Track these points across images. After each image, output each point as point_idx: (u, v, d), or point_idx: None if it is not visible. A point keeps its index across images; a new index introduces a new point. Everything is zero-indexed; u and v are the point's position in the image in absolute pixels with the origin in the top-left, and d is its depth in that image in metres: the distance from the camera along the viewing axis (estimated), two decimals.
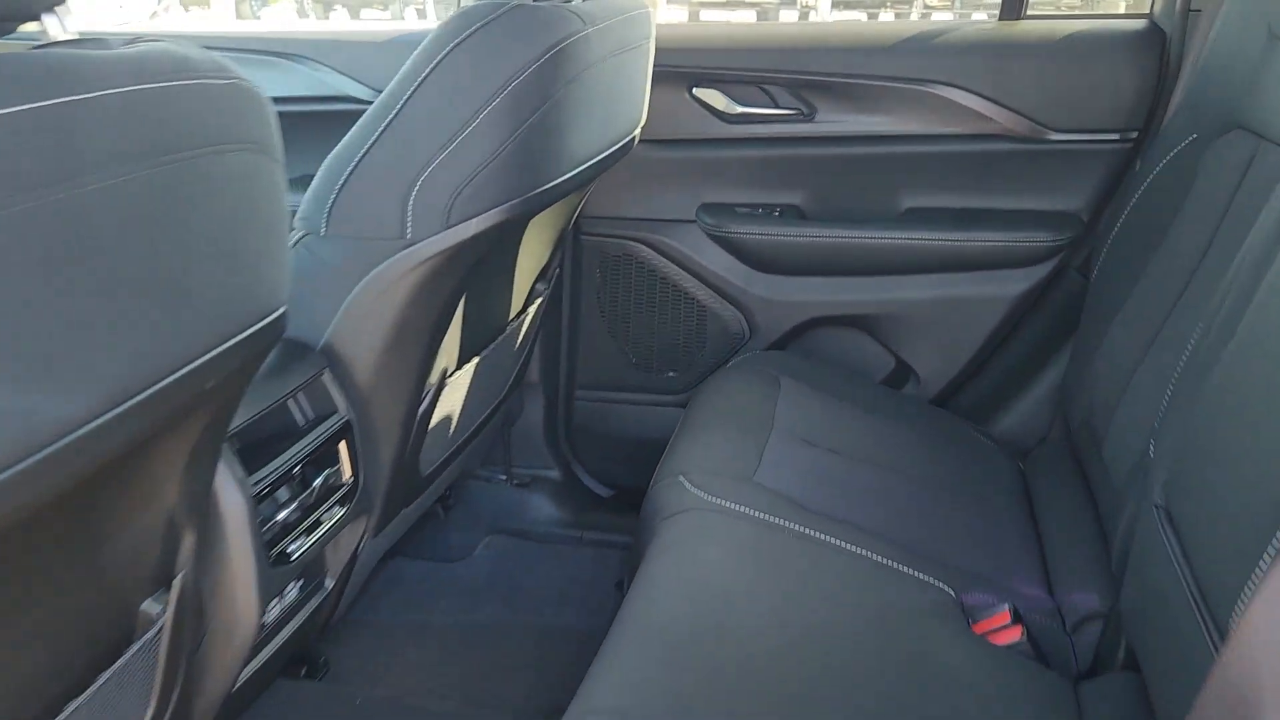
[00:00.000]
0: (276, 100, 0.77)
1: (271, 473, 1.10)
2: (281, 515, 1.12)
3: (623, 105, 1.46)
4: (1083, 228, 1.74)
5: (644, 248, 1.90)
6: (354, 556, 1.38)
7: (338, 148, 1.20)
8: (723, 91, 1.80)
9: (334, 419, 1.23)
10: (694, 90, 1.81)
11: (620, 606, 1.15)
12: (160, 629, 0.90)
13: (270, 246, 0.78)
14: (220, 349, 0.72)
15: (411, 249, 1.19)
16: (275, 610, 1.19)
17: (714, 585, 1.15)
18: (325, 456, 1.22)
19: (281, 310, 0.82)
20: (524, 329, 1.73)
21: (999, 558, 1.38)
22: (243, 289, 0.74)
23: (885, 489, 1.44)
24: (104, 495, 0.73)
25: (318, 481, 1.18)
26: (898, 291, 1.82)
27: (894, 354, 1.88)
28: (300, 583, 1.25)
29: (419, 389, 1.33)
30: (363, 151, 1.17)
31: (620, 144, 1.50)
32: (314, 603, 1.31)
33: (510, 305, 1.64)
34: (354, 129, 1.19)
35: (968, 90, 1.71)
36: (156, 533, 0.86)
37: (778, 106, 1.79)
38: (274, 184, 0.77)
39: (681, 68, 1.79)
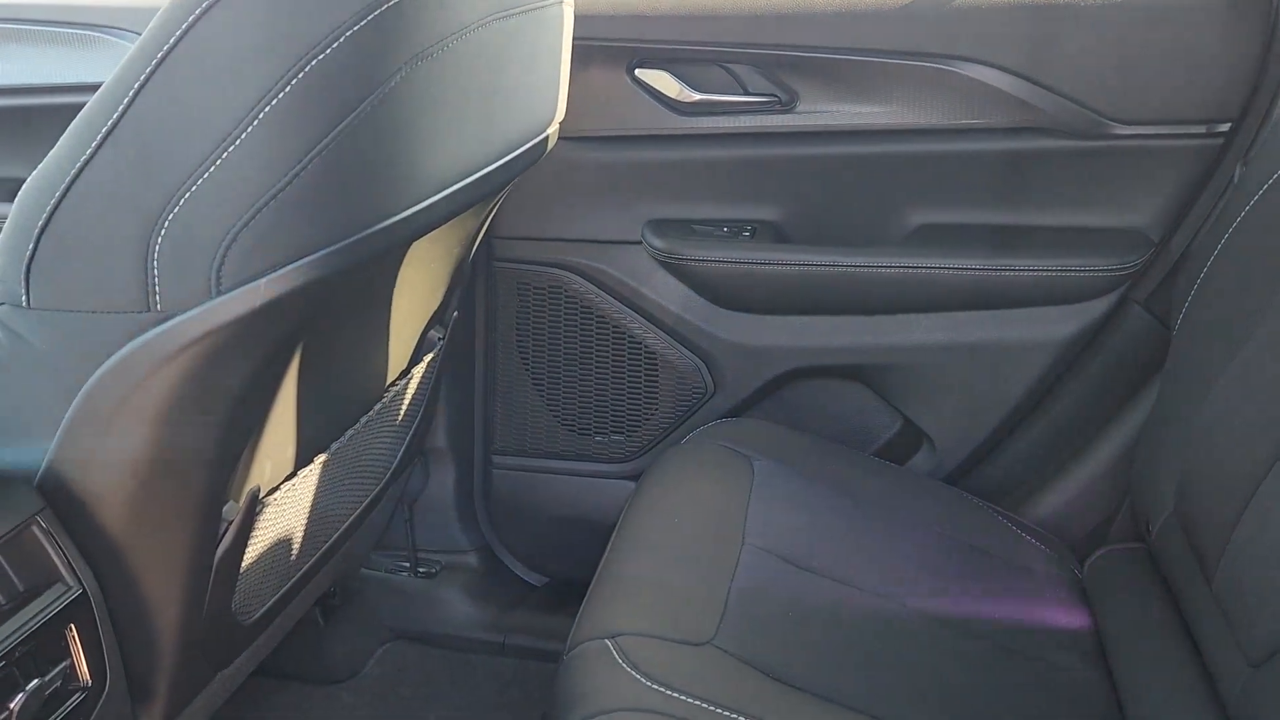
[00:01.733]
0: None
1: None
2: None
3: (520, 93, 1.01)
4: (1152, 251, 1.31)
5: (575, 277, 1.46)
6: None
7: (40, 167, 0.75)
8: (674, 74, 1.36)
9: (53, 593, 0.78)
10: (636, 71, 1.37)
11: None
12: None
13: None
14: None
15: (164, 327, 0.75)
16: None
17: None
18: (48, 649, 0.78)
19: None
20: (409, 395, 1.28)
21: None
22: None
23: (900, 641, 1.02)
24: None
25: (16, 703, 0.74)
26: (906, 335, 1.39)
27: (900, 413, 1.45)
28: None
29: (209, 522, 0.88)
30: (72, 174, 0.72)
31: (522, 149, 1.06)
32: None
33: (386, 368, 1.19)
34: (62, 138, 0.74)
35: (1001, 69, 1.28)
36: None
37: (747, 93, 1.35)
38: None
39: (619, 41, 1.35)
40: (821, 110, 1.35)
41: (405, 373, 1.25)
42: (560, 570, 1.64)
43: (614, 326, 1.47)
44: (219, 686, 1.09)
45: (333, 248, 0.78)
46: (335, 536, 1.22)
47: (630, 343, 1.48)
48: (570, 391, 1.52)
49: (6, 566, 0.77)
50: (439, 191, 0.89)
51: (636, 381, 1.50)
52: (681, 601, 0.99)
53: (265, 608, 1.08)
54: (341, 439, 1.10)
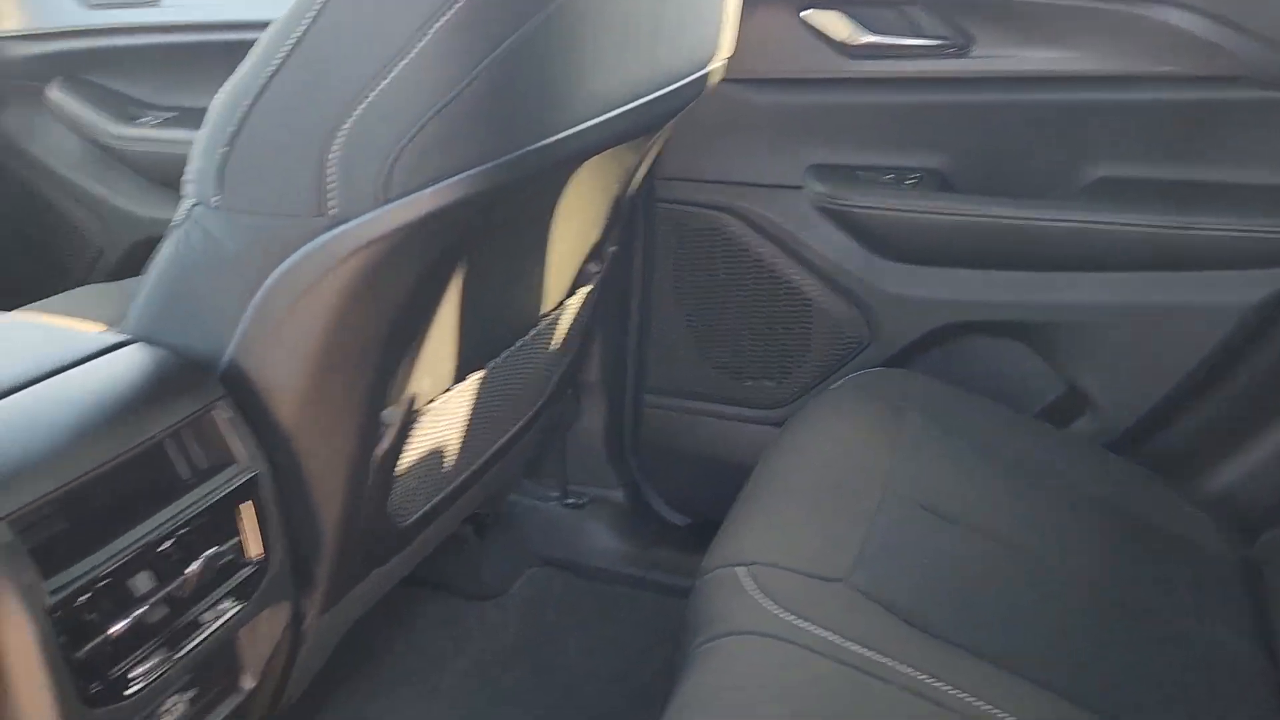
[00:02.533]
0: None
1: (105, 565, 0.74)
2: (117, 628, 0.75)
3: (684, 24, 1.02)
4: None
5: (734, 220, 1.46)
6: (293, 642, 1.02)
7: (229, 81, 0.81)
8: (845, 14, 1.33)
9: (229, 473, 0.85)
10: (805, 13, 1.35)
11: None
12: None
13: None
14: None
15: (337, 231, 0.80)
16: None
17: None
18: (218, 525, 0.86)
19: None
20: (565, 325, 1.32)
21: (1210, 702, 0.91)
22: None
23: (1045, 603, 0.99)
24: None
25: (193, 568, 0.81)
26: (1076, 293, 1.33)
27: (1064, 376, 1.40)
28: (191, 693, 0.89)
29: (371, 422, 0.94)
30: (259, 88, 0.78)
31: (684, 82, 1.06)
32: (224, 709, 0.95)
33: (542, 294, 1.23)
34: (249, 55, 0.80)
35: (1198, 12, 1.20)
36: None
37: (920, 35, 1.31)
38: None
39: None
40: (998, 55, 1.30)
41: (561, 303, 1.29)
42: (702, 511, 1.66)
43: (770, 272, 1.47)
44: (374, 584, 1.16)
45: (495, 162, 0.81)
46: (487, 455, 1.27)
47: (786, 289, 1.47)
48: (723, 335, 1.53)
49: (190, 445, 0.84)
50: (599, 115, 0.91)
51: (790, 328, 1.49)
52: (817, 537, 0.99)
53: (419, 514, 1.14)
54: (496, 359, 1.15)
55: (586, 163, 1.08)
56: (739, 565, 0.94)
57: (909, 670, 0.84)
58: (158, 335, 0.89)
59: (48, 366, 0.82)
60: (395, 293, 0.86)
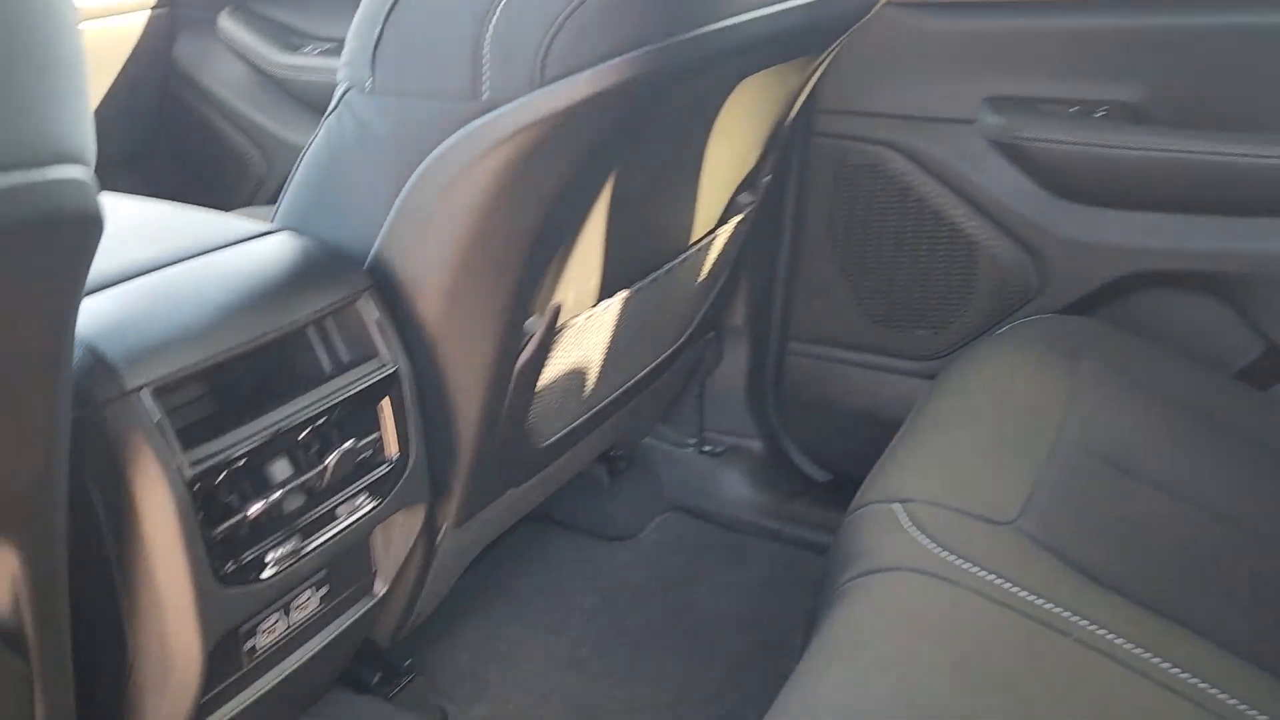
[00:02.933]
0: None
1: (243, 444, 0.73)
2: (255, 509, 0.74)
3: None
4: None
5: (897, 156, 1.38)
6: (426, 553, 1.00)
7: None
8: None
9: (371, 366, 0.83)
10: None
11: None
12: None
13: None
14: None
15: (491, 116, 0.76)
16: (273, 630, 0.83)
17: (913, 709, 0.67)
18: (356, 419, 0.84)
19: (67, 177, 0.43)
20: (712, 256, 1.26)
21: None
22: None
23: (1231, 563, 0.88)
24: None
25: (332, 459, 0.79)
26: (1277, 240, 1.20)
27: (1264, 334, 1.26)
28: (324, 591, 0.88)
29: (514, 329, 0.91)
30: None
31: None
32: (355, 613, 0.94)
33: (692, 220, 1.18)
34: None
35: None
36: None
37: None
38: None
39: None
40: None
41: (711, 233, 1.23)
42: (845, 467, 1.58)
43: (934, 212, 1.38)
44: (507, 507, 1.13)
45: (651, 46, 0.76)
46: (625, 386, 1.23)
47: (949, 231, 1.38)
48: (878, 280, 1.45)
49: (333, 335, 0.83)
50: (761, 8, 0.84)
51: (951, 275, 1.40)
52: (982, 478, 0.91)
53: (556, 437, 1.10)
54: (641, 283, 1.10)
55: (746, 81, 1.02)
56: (895, 501, 0.87)
57: (1089, 625, 0.76)
58: (306, 226, 0.88)
59: (198, 247, 0.81)
60: (546, 186, 0.82)
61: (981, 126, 1.31)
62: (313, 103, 1.80)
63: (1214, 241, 1.23)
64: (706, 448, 1.62)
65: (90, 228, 0.46)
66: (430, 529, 0.99)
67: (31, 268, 0.45)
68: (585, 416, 1.15)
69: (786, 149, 1.39)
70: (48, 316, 0.49)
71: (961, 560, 0.80)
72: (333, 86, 0.85)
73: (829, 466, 1.61)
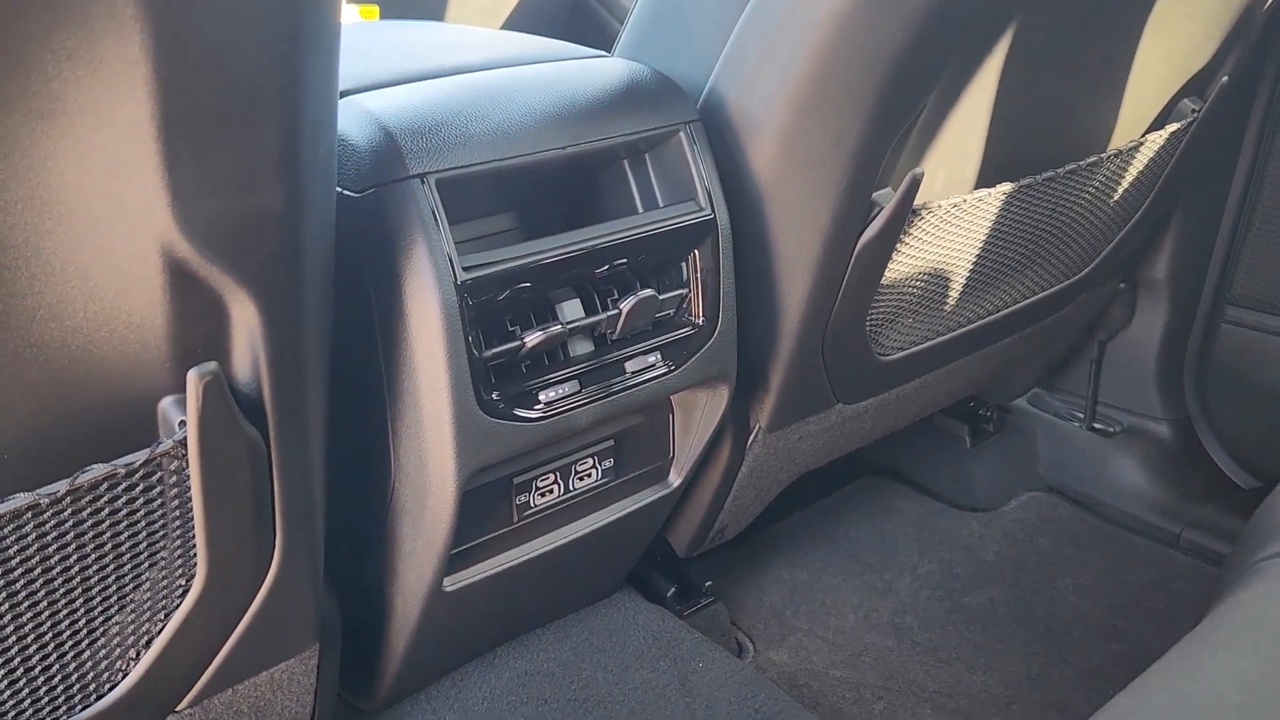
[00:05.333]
0: None
1: (524, 261, 0.65)
2: (532, 338, 0.66)
3: None
4: None
5: None
6: (735, 453, 0.89)
7: None
8: None
9: (686, 208, 0.73)
10: None
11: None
12: (179, 454, 0.52)
13: None
14: None
15: None
16: (548, 491, 0.76)
17: None
18: (664, 269, 0.74)
19: None
20: (1133, 172, 1.02)
21: None
22: None
23: None
24: None
25: (627, 304, 0.70)
26: None
27: None
28: (609, 463, 0.80)
29: (858, 194, 0.76)
30: None
31: None
32: (644, 498, 0.85)
33: (1113, 118, 0.96)
34: None
35: None
36: (151, 281, 0.47)
37: None
38: None
39: None
40: None
41: (1139, 140, 1.00)
42: (1278, 471, 1.25)
43: None
44: (838, 429, 0.99)
45: None
46: (996, 316, 1.03)
47: None
48: None
49: (649, 166, 0.73)
50: None
51: None
52: None
53: (903, 353, 0.94)
54: (1035, 178, 0.90)
55: None
56: None
57: None
58: (642, 57, 0.79)
59: (522, 58, 0.75)
60: (895, 27, 0.66)
61: None
62: None
63: None
64: (1098, 424, 1.37)
65: None
66: (740, 426, 0.88)
67: None
68: (943, 338, 0.97)
69: (1258, 46, 1.09)
70: (279, 27, 0.43)
71: None
72: None
73: (1256, 469, 1.29)
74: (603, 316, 0.70)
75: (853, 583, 1.20)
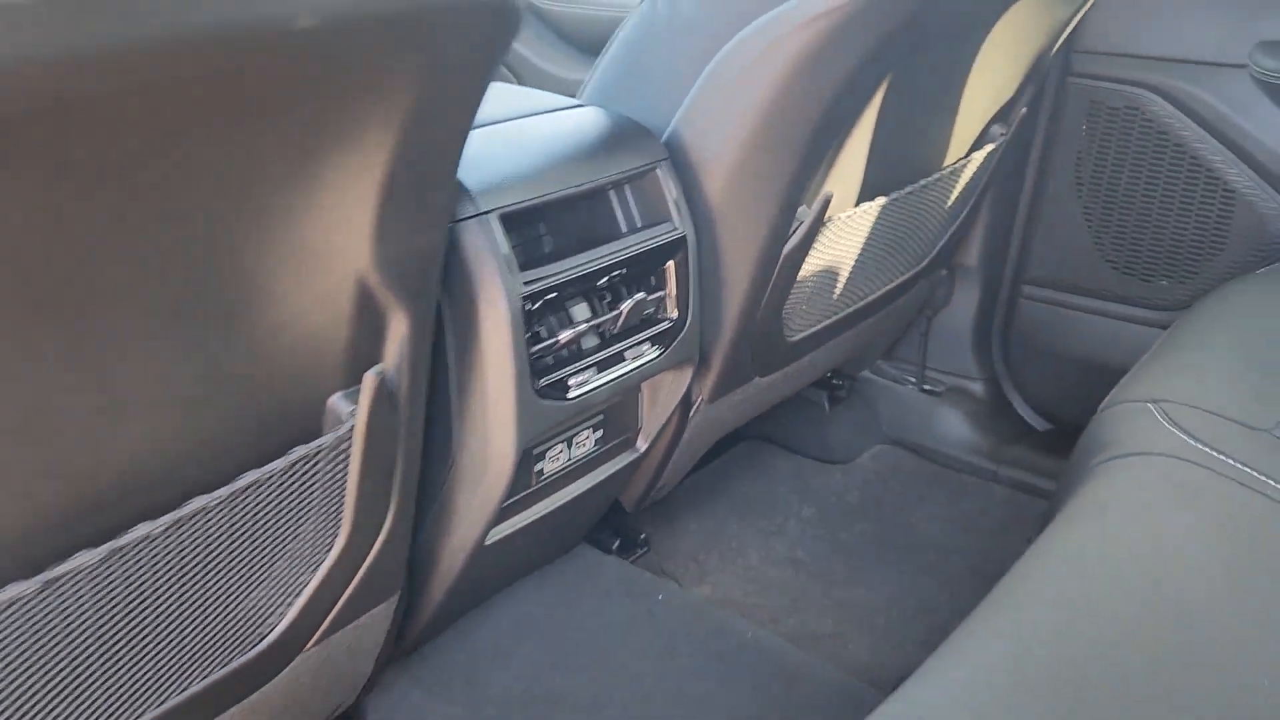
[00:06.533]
0: None
1: (558, 276, 0.83)
2: (565, 335, 0.85)
3: None
4: None
5: (1157, 99, 1.37)
6: (680, 422, 1.10)
7: None
8: None
9: (663, 230, 0.93)
10: None
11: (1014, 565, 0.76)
12: (347, 435, 0.67)
13: None
14: None
15: (793, 6, 0.84)
16: (557, 458, 0.94)
17: (1165, 575, 0.70)
18: (643, 276, 0.93)
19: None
20: (961, 182, 1.30)
21: None
22: None
23: None
24: (275, 230, 0.51)
25: (626, 305, 0.89)
26: None
27: None
28: (599, 434, 0.99)
29: (785, 215, 0.98)
30: None
31: None
32: (619, 462, 1.04)
33: (947, 143, 1.22)
34: None
35: None
36: (342, 304, 0.62)
37: None
38: None
39: None
40: None
41: (964, 158, 1.27)
42: (1067, 417, 1.58)
43: (1192, 158, 1.36)
44: (750, 397, 1.21)
45: None
46: (868, 299, 1.28)
47: (1207, 178, 1.36)
48: (1123, 226, 1.44)
49: (631, 198, 0.92)
50: None
51: (1204, 224, 1.38)
52: (1239, 389, 0.92)
53: (804, 333, 1.17)
54: (898, 193, 1.16)
55: (1016, 7, 1.05)
56: (1149, 401, 0.90)
57: None
58: (611, 102, 0.98)
59: (526, 109, 0.92)
60: (833, 74, 0.89)
61: (1253, 70, 1.29)
62: (575, 37, 1.93)
63: None
64: (927, 386, 1.66)
65: (510, 18, 0.56)
66: (687, 400, 1.08)
67: (464, 51, 0.56)
68: (831, 320, 1.22)
69: (1041, 90, 1.41)
70: (464, 103, 0.60)
71: (1219, 454, 0.82)
72: (596, 20, 0.94)
73: (1050, 415, 1.62)
74: (608, 316, 0.89)
75: (750, 529, 1.44)
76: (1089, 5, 1.23)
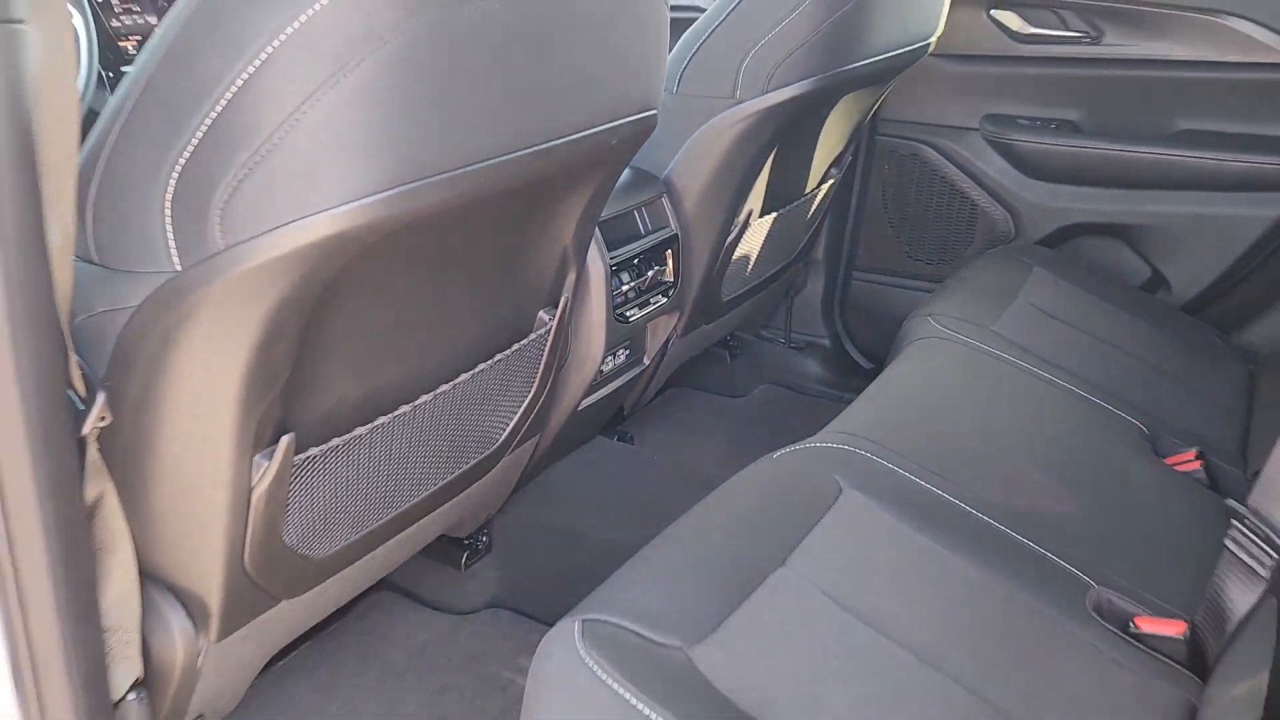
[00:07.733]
0: None
1: (622, 255, 1.53)
2: (625, 287, 1.55)
3: (919, 11, 1.76)
4: None
5: (930, 150, 2.19)
6: (664, 347, 1.81)
7: (697, 23, 1.59)
8: (1018, 14, 2.04)
9: (665, 231, 1.64)
10: (992, 11, 2.06)
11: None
12: (547, 333, 1.35)
13: (648, 49, 1.04)
14: (599, 128, 0.99)
15: (737, 107, 1.57)
16: (610, 362, 1.64)
17: (932, 388, 1.47)
18: (656, 258, 1.64)
19: (652, 111, 1.20)
20: (815, 203, 2.07)
21: (1203, 420, 1.59)
22: (620, 80, 1.01)
23: (1108, 353, 1.68)
24: (527, 225, 1.17)
25: (650, 273, 1.60)
26: (1160, 205, 2.00)
27: (1150, 264, 2.07)
28: (628, 352, 1.68)
29: (728, 223, 1.71)
30: (714, 25, 1.56)
31: (914, 46, 1.80)
32: (633, 373, 1.74)
33: (807, 179, 1.99)
34: (711, 7, 1.57)
35: (1256, 21, 1.86)
36: (554, 262, 1.30)
37: (1067, 29, 2.01)
38: None
39: None
40: (1120, 45, 1.98)
41: (815, 188, 2.04)
42: (882, 355, 2.38)
43: (951, 185, 2.19)
44: (697, 339, 1.93)
45: (821, 75, 1.57)
46: (761, 278, 2.03)
47: (960, 198, 2.19)
48: (912, 229, 2.26)
49: (648, 215, 1.63)
50: (870, 58, 1.65)
51: (960, 226, 2.21)
52: (974, 309, 1.71)
53: (731, 295, 1.91)
54: (783, 210, 1.92)
55: (845, 98, 1.83)
56: (929, 316, 1.68)
57: (1022, 364, 1.56)
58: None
59: None
60: (755, 145, 1.62)
61: (982, 132, 2.12)
62: None
63: (1120, 205, 2.03)
64: (793, 344, 2.43)
65: (652, 124, 1.25)
66: (669, 338, 1.80)
67: (620, 157, 1.25)
68: (743, 289, 1.96)
69: (859, 145, 2.21)
70: (621, 164, 1.29)
71: (962, 336, 1.60)
72: None
73: (873, 357, 2.42)
74: (640, 279, 1.59)
75: (688, 439, 2.16)
76: (883, 97, 2.03)
